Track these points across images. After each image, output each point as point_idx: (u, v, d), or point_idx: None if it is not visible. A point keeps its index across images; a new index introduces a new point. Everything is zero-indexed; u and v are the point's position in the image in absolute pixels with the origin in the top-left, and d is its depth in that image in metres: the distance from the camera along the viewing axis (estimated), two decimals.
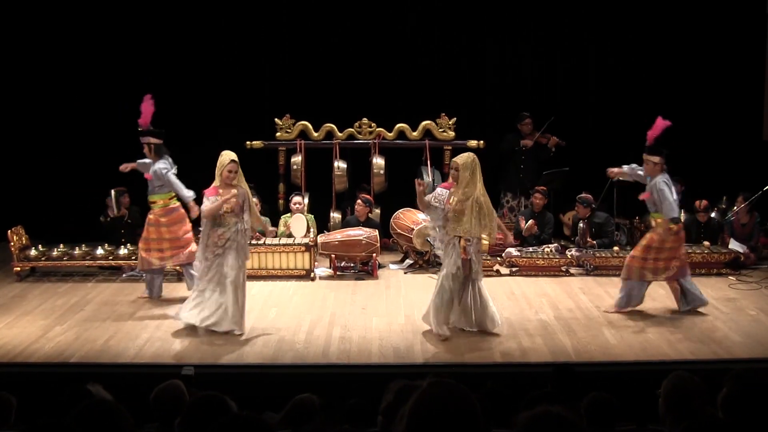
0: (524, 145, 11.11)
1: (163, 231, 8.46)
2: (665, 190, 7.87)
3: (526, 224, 10.06)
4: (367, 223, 10.14)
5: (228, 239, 7.33)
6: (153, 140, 8.48)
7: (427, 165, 10.62)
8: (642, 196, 8.10)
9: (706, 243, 9.89)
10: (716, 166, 11.41)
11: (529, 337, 7.41)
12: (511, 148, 11.17)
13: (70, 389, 4.10)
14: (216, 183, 7.44)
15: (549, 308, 8.32)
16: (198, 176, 11.79)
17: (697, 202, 10.21)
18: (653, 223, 8.10)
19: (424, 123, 10.60)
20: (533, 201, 10.31)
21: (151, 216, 8.52)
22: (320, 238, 9.72)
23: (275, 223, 10.14)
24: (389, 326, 7.73)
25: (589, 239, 10.03)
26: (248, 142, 10.42)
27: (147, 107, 8.52)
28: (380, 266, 9.86)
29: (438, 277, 7.45)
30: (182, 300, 7.96)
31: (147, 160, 8.56)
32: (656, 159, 7.90)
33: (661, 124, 8.01)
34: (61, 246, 9.63)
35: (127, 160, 8.81)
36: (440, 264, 7.58)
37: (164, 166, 8.45)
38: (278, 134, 10.59)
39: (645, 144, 8.00)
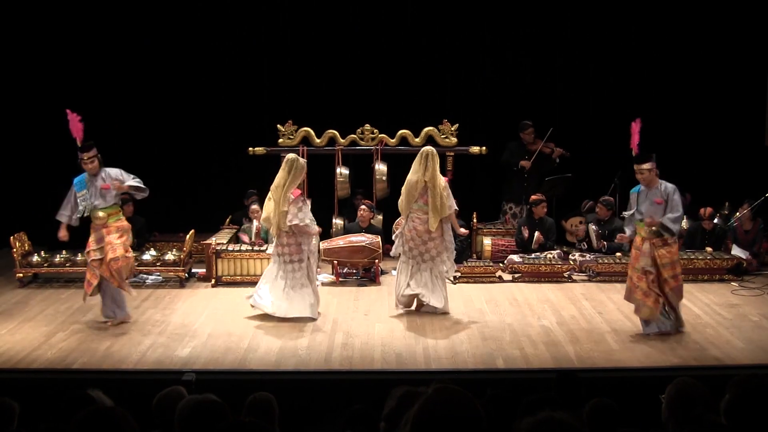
0: (523, 167, 11.08)
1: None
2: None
3: (534, 238, 10.07)
4: (370, 229, 10.13)
5: None
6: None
7: None
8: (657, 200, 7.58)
9: (709, 249, 9.88)
10: (718, 172, 11.40)
11: (532, 343, 7.40)
12: (510, 165, 11.15)
13: (69, 395, 4.10)
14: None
15: (551, 314, 8.31)
16: (199, 182, 11.93)
17: (702, 210, 10.19)
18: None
19: (426, 129, 10.59)
20: (536, 210, 10.28)
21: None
22: (323, 245, 9.70)
23: None
24: (392, 332, 7.72)
25: (601, 241, 10.06)
26: (250, 149, 10.42)
27: (75, 123, 8.25)
28: (382, 272, 9.86)
29: None
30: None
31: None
32: (649, 165, 7.58)
33: (635, 128, 7.64)
34: (64, 252, 9.60)
35: (128, 166, 8.75)
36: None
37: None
38: (280, 140, 10.58)
39: (633, 155, 7.66)
